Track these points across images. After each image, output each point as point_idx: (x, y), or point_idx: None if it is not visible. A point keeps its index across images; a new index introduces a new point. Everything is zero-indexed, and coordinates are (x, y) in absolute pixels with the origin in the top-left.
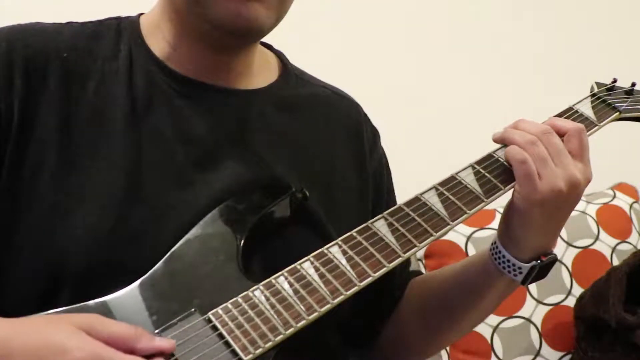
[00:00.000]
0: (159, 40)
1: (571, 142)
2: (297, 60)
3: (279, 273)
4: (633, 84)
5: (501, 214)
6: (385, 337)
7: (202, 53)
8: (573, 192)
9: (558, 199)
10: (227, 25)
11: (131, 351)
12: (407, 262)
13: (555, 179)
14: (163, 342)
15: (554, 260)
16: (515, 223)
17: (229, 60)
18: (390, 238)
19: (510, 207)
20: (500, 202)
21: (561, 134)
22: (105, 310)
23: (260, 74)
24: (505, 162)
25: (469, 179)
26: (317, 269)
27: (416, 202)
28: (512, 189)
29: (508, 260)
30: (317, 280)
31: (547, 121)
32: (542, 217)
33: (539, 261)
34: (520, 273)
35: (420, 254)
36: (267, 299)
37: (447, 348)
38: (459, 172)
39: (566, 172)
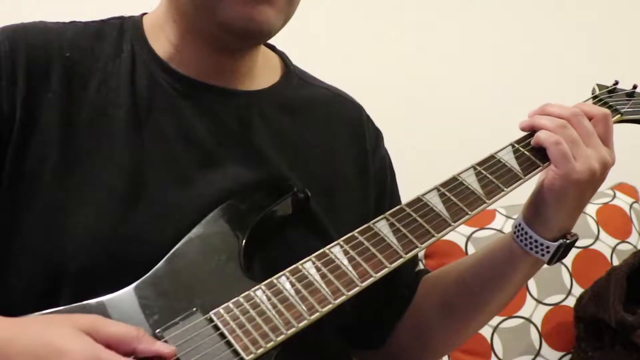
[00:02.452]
0: (162, 41)
1: (598, 127)
2: (299, 61)
3: (281, 273)
4: (635, 86)
5: (531, 194)
6: (404, 337)
7: (206, 54)
8: (604, 173)
9: (592, 178)
10: (238, 28)
11: (132, 352)
12: (415, 261)
13: (589, 159)
14: (164, 347)
15: (576, 239)
16: (548, 202)
17: (232, 62)
18: (391, 238)
19: (543, 187)
20: (500, 203)
21: (588, 119)
22: (106, 310)
23: (262, 75)
24: (506, 163)
25: (471, 180)
26: (318, 269)
27: (418, 203)
28: (541, 172)
29: (535, 240)
30: (318, 280)
31: (573, 106)
32: (576, 196)
33: (565, 240)
34: (548, 252)
35: (421, 254)
36: (269, 299)
37: None
38: (460, 173)
39: (598, 153)
